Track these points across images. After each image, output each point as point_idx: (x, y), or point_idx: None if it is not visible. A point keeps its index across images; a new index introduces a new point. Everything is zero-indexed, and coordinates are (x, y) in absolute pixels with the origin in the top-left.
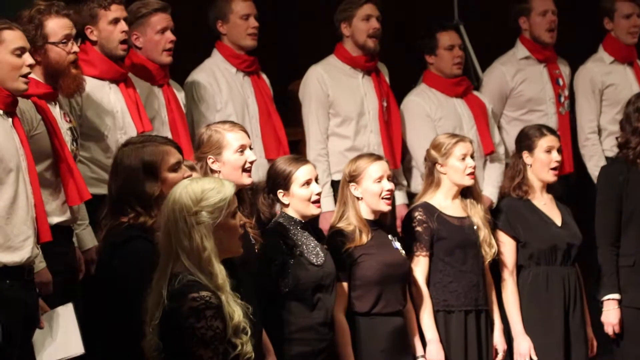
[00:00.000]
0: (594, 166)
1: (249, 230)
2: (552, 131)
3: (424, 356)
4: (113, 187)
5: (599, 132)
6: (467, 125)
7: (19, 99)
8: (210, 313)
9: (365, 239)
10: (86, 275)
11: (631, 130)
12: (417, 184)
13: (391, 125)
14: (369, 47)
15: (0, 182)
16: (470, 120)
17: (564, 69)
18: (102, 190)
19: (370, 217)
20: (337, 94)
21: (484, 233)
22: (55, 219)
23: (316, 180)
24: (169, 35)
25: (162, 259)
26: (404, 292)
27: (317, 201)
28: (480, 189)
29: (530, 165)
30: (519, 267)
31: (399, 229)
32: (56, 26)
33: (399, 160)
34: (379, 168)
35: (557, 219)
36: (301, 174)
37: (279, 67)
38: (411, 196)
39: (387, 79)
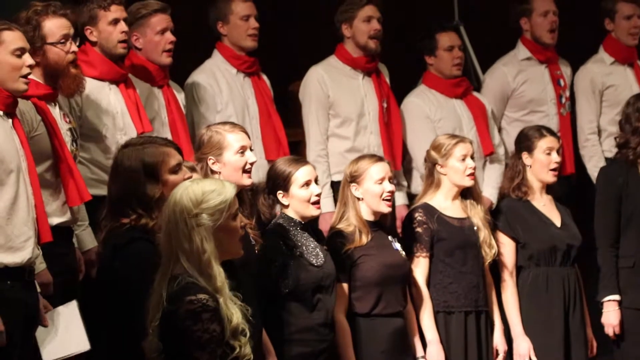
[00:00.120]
0: (593, 167)
1: (249, 231)
2: (551, 132)
3: (424, 357)
4: (113, 188)
5: (599, 132)
6: (467, 126)
7: (19, 100)
8: (207, 316)
9: (365, 239)
10: (85, 276)
11: (631, 131)
12: (417, 184)
13: (391, 127)
14: (370, 48)
15: (1, 183)
16: (470, 121)
17: (565, 70)
18: (102, 191)
19: (371, 218)
20: (338, 94)
21: (484, 234)
22: (55, 220)
23: (316, 181)
24: (169, 36)
25: (163, 261)
26: (404, 293)
27: (317, 202)
28: (480, 189)
29: (530, 166)
30: (519, 268)
31: (398, 230)
32: (54, 26)
33: (400, 162)
34: (381, 169)
35: (557, 220)
36: (301, 175)
37: (279, 68)
38: (411, 197)
39: (388, 80)
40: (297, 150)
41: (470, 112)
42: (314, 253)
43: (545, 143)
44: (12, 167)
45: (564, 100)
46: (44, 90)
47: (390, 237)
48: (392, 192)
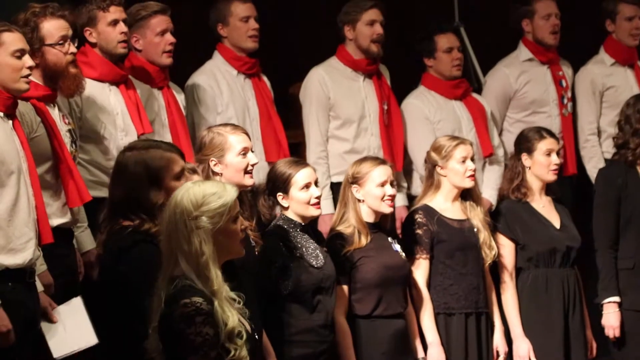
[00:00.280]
0: (593, 168)
1: (250, 233)
2: (551, 134)
3: (424, 358)
4: (115, 191)
5: (599, 133)
6: (466, 127)
7: (18, 101)
8: (200, 319)
9: (364, 241)
10: (85, 277)
11: (631, 132)
12: (416, 186)
13: (392, 128)
14: (373, 51)
15: (2, 184)
16: (470, 123)
17: (567, 71)
18: (102, 193)
19: (370, 219)
20: (338, 96)
21: (484, 235)
22: (56, 221)
23: (316, 183)
24: (169, 37)
25: (164, 262)
26: (405, 294)
27: (317, 204)
28: (479, 191)
29: (529, 168)
30: (518, 270)
31: (398, 231)
32: (52, 28)
33: (400, 163)
34: (383, 172)
35: (556, 222)
36: (300, 177)
37: (280, 69)
38: (411, 198)
39: (389, 82)
40: (298, 152)
41: (470, 113)
42: (314, 254)
43: (545, 145)
44: (12, 168)
45: (565, 101)
46: (43, 92)
47: (390, 239)
48: (392, 196)
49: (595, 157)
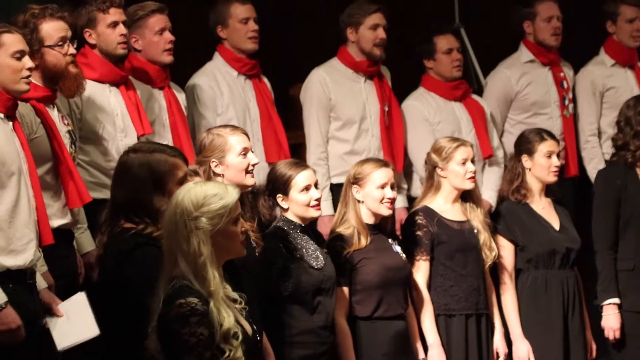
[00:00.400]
0: (593, 169)
1: (251, 234)
2: (552, 136)
3: None
4: (117, 192)
5: (599, 134)
6: (466, 129)
7: (18, 102)
8: (194, 320)
9: (364, 242)
10: (85, 278)
11: (632, 134)
12: (416, 187)
13: (393, 130)
14: (375, 55)
15: (3, 185)
16: (469, 124)
17: (568, 72)
18: (102, 194)
19: (370, 220)
20: (339, 97)
21: (484, 236)
22: (56, 222)
23: (315, 185)
24: (168, 36)
25: (165, 262)
26: (405, 295)
27: (317, 205)
28: (480, 192)
29: (530, 169)
30: (518, 271)
31: (398, 233)
32: (51, 29)
33: (400, 165)
34: (384, 175)
35: (555, 223)
36: (300, 179)
37: (280, 71)
38: (410, 200)
39: (390, 83)
40: (298, 153)
41: (469, 114)
42: (314, 256)
43: (545, 147)
44: (13, 169)
45: (567, 102)
46: (43, 93)
47: (390, 240)
48: (392, 199)
49: (596, 158)
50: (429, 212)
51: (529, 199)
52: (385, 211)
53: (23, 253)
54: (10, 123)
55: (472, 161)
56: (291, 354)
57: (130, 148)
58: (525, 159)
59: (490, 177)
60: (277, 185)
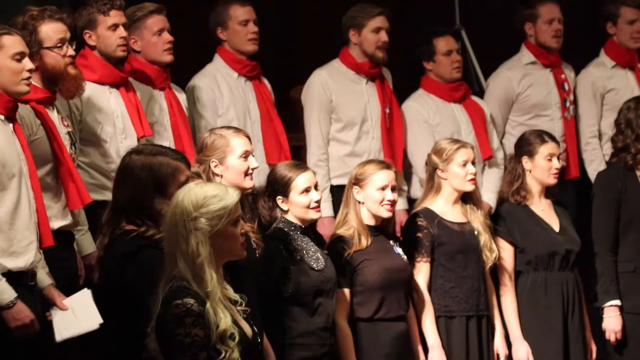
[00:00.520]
0: (594, 171)
1: (251, 235)
2: (552, 138)
3: None
4: (119, 193)
5: (600, 136)
6: (466, 130)
7: (18, 104)
8: (189, 320)
9: (364, 243)
10: (85, 280)
11: (634, 137)
12: (415, 189)
13: (393, 132)
14: (378, 58)
15: (3, 187)
16: (469, 126)
17: (569, 74)
18: (102, 196)
19: (371, 222)
20: (341, 99)
21: (484, 238)
22: (56, 223)
23: (315, 187)
24: (167, 36)
25: (165, 262)
26: (407, 297)
27: (317, 207)
28: (480, 194)
29: (530, 171)
30: (517, 273)
31: (398, 234)
32: (50, 31)
33: (401, 167)
34: (385, 177)
35: (555, 225)
36: (300, 181)
37: (280, 72)
38: (410, 201)
39: (391, 85)
40: (299, 155)
41: (469, 116)
42: (315, 257)
43: (546, 149)
44: (14, 171)
45: (568, 104)
46: (42, 94)
47: (391, 242)
48: (392, 201)
49: (597, 160)
50: (430, 214)
51: (529, 201)
52: (384, 213)
53: (24, 255)
54: (11, 125)
55: (473, 163)
56: (292, 355)
57: (133, 149)
58: (525, 161)
59: (490, 178)
60: (277, 187)
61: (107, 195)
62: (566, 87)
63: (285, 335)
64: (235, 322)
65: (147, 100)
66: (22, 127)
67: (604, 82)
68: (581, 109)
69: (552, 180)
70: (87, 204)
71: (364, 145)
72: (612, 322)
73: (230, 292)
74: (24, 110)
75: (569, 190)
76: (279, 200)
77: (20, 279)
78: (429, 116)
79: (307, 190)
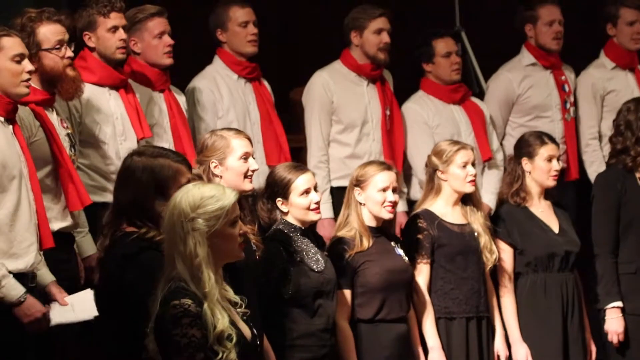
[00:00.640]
0: (594, 172)
1: (251, 237)
2: (552, 139)
3: None
4: (120, 196)
5: (600, 138)
6: (465, 132)
7: (18, 106)
8: (186, 321)
9: (366, 244)
10: (86, 282)
11: (634, 140)
12: (415, 191)
13: (394, 134)
14: (380, 59)
15: (4, 189)
16: (468, 127)
17: (570, 75)
18: (102, 198)
19: (372, 223)
20: (342, 100)
21: (484, 239)
22: (56, 225)
23: (315, 188)
24: (167, 39)
25: (165, 264)
26: (408, 298)
27: (316, 208)
28: (480, 195)
29: (529, 172)
30: (517, 275)
31: (398, 236)
32: (48, 32)
33: (401, 169)
34: (386, 178)
35: (555, 226)
36: (300, 183)
37: (281, 74)
38: (410, 203)
39: (392, 87)
40: (299, 157)
41: (469, 117)
42: (314, 259)
43: (546, 151)
44: (14, 173)
45: (568, 105)
46: (41, 96)
47: (392, 243)
48: (393, 202)
49: (597, 161)
50: (430, 215)
51: (528, 202)
52: (386, 214)
53: (24, 256)
54: (11, 127)
55: (473, 164)
56: (292, 357)
57: (134, 151)
58: (525, 162)
59: (489, 180)
60: (277, 189)
61: (107, 197)
62: (566, 89)
63: (286, 336)
64: (233, 323)
65: (146, 102)
66: (21, 129)
67: (604, 84)
68: (581, 111)
69: (551, 183)
70: (87, 206)
71: (364, 147)
72: (614, 323)
73: (230, 293)
74: (23, 112)
75: (569, 191)
76: (279, 202)
77: (21, 281)
78: (428, 118)
79: (307, 191)
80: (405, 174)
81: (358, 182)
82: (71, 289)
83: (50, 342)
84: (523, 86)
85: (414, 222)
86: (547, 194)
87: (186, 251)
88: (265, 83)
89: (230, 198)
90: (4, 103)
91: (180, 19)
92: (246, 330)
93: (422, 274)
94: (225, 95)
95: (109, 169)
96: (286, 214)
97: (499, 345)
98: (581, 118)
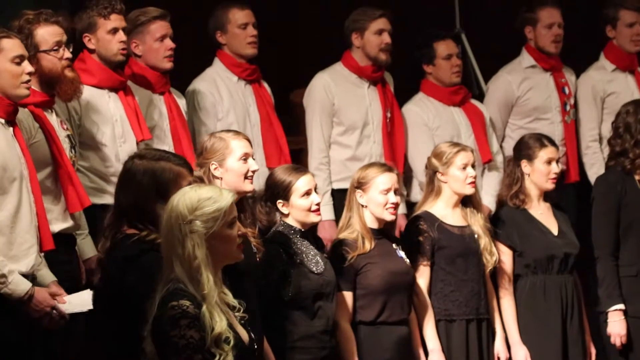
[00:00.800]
0: (594, 174)
1: (251, 240)
2: (552, 142)
3: None
4: (121, 198)
5: (600, 140)
6: (465, 133)
7: (18, 108)
8: (185, 322)
9: (368, 246)
10: (86, 284)
11: (633, 142)
12: (415, 193)
13: (394, 136)
14: (381, 60)
15: (5, 191)
16: (468, 129)
17: (570, 77)
18: (102, 200)
19: (374, 225)
20: (343, 102)
21: (484, 241)
22: (57, 226)
23: (315, 189)
24: (169, 43)
25: (163, 266)
26: (409, 300)
27: (317, 210)
28: (480, 197)
29: (529, 175)
30: (516, 276)
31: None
32: (46, 34)
33: (401, 171)
34: (388, 180)
35: (554, 228)
36: (301, 184)
37: (281, 76)
38: (409, 205)
39: (393, 90)
40: (299, 159)
41: (469, 119)
42: (314, 260)
43: (546, 153)
44: (15, 175)
45: (568, 107)
46: (41, 98)
47: (394, 245)
48: (395, 204)
49: (597, 163)
50: (430, 217)
51: (527, 205)
52: (388, 216)
53: (25, 258)
54: (11, 128)
55: (473, 166)
56: (292, 359)
57: (135, 154)
58: (524, 164)
59: (489, 182)
60: (277, 191)
61: (107, 199)
62: (566, 91)
63: (286, 338)
64: (231, 326)
65: (146, 105)
66: (21, 131)
67: (604, 86)
68: (581, 113)
69: (550, 185)
70: (87, 208)
71: (365, 149)
72: (617, 326)
73: (229, 297)
74: (22, 114)
75: (569, 194)
76: (280, 204)
77: None
78: (428, 119)
79: (307, 193)
80: (405, 176)
81: (359, 185)
82: (72, 290)
83: (57, 342)
84: (522, 88)
85: (414, 224)
86: (547, 196)
87: (184, 253)
88: (265, 85)
89: (227, 199)
90: (4, 105)
91: (180, 21)
92: (244, 334)
93: (423, 276)
94: (225, 97)
95: (108, 171)
96: (286, 215)
97: (499, 347)
98: (581, 120)
